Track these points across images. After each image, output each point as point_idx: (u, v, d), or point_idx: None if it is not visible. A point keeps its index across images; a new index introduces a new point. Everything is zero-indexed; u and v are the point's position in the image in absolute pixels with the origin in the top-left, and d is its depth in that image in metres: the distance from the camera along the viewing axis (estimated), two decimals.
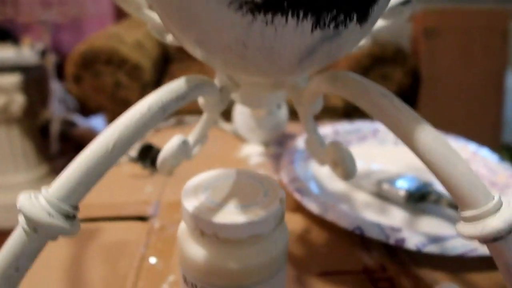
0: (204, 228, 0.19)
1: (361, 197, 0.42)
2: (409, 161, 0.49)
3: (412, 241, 0.31)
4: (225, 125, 0.60)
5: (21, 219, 0.15)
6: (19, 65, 1.42)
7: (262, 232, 0.19)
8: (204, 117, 0.29)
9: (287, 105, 0.55)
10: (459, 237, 0.31)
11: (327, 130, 0.52)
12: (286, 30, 0.14)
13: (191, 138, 0.30)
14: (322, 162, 0.32)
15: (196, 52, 0.17)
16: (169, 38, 0.33)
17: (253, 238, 0.19)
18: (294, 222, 0.37)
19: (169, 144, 0.24)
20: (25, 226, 0.15)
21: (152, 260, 0.32)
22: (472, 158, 0.47)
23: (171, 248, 0.33)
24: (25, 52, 1.45)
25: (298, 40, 0.14)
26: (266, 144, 0.54)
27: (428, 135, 0.15)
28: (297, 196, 0.37)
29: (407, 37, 1.68)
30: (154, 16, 0.28)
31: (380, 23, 0.29)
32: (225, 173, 0.23)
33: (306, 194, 0.37)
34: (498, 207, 0.15)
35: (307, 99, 0.23)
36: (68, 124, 1.73)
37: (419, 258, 0.32)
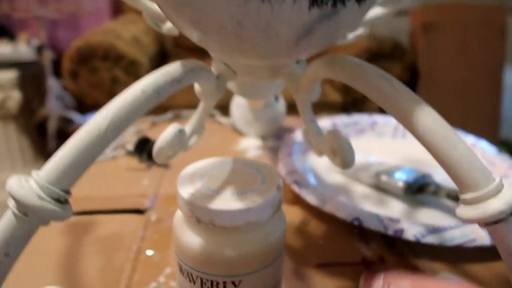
0: (200, 215, 0.19)
1: (359, 189, 0.41)
2: (407, 153, 0.48)
3: (411, 232, 0.30)
4: (222, 119, 0.60)
5: (10, 203, 0.14)
6: (15, 61, 1.41)
7: (259, 219, 0.19)
8: (201, 106, 0.28)
9: (285, 98, 0.54)
10: (457, 228, 0.31)
11: (325, 123, 0.52)
12: (283, 8, 0.13)
13: (188, 128, 0.29)
14: (320, 152, 0.31)
15: (192, 34, 0.16)
16: (166, 28, 0.33)
17: (250, 225, 0.19)
18: (292, 214, 0.37)
19: (165, 133, 0.23)
20: (15, 210, 0.14)
21: (149, 252, 0.31)
22: None
23: (167, 241, 0.33)
24: (21, 48, 1.44)
25: (295, 18, 0.14)
26: (264, 137, 0.54)
27: (428, 116, 0.15)
28: (295, 188, 0.37)
29: (405, 32, 1.68)
30: (150, 4, 0.28)
31: (378, 10, 0.29)
32: (222, 160, 0.23)
33: (304, 186, 0.36)
34: (499, 189, 0.14)
35: (304, 86, 0.23)
36: (65, 121, 1.72)
37: (418, 249, 0.32)
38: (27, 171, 1.49)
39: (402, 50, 1.33)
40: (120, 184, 0.42)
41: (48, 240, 0.32)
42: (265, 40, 0.15)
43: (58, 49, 1.84)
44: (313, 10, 0.14)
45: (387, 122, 0.54)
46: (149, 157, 0.46)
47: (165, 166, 0.46)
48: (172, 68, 0.18)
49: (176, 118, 0.61)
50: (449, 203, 0.37)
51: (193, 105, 0.59)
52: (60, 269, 0.29)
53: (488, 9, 1.54)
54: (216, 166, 0.22)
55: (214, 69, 0.25)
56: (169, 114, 0.61)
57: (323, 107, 1.25)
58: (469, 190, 0.15)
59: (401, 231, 0.31)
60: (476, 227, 0.31)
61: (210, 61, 0.25)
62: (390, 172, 0.40)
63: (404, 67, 1.31)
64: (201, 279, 0.20)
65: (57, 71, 1.63)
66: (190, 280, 0.20)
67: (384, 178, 0.40)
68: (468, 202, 0.15)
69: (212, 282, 0.19)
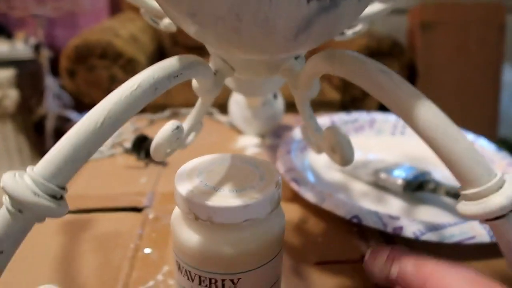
0: (198, 212, 0.19)
1: (358, 187, 0.41)
2: (406, 150, 0.48)
3: (410, 229, 0.30)
4: (220, 117, 0.60)
5: (5, 199, 0.14)
6: (12, 59, 1.40)
7: (257, 216, 0.19)
8: (198, 103, 0.28)
9: (283, 96, 0.54)
10: (457, 225, 0.31)
11: (324, 120, 0.52)
12: (281, 0, 0.13)
13: (186, 125, 0.29)
14: (318, 149, 0.31)
15: (189, 28, 0.16)
16: (163, 24, 0.33)
17: (249, 222, 0.19)
18: (291, 212, 0.36)
19: (163, 129, 0.23)
20: (10, 207, 0.14)
21: (147, 250, 0.31)
22: None
23: (165, 239, 0.32)
24: (19, 47, 1.44)
25: (294, 11, 0.14)
26: (262, 135, 0.53)
27: (429, 111, 0.15)
28: (294, 186, 0.37)
29: (404, 31, 1.68)
30: (148, 0, 0.28)
31: (378, 7, 0.29)
32: (220, 157, 0.23)
33: (303, 184, 0.36)
34: (500, 184, 0.14)
35: (303, 82, 0.23)
36: (63, 120, 1.71)
37: (417, 246, 0.32)
38: (25, 170, 1.48)
39: (401, 48, 1.33)
40: (118, 182, 0.42)
41: (45, 238, 0.32)
42: (263, 33, 0.15)
43: (55, 48, 1.83)
44: (312, 2, 0.13)
45: (386, 119, 0.53)
46: (147, 155, 0.46)
47: (163, 164, 0.46)
48: (170, 63, 0.17)
49: (174, 116, 0.61)
50: (448, 200, 0.37)
51: (191, 104, 0.58)
52: (57, 268, 0.29)
53: (487, 7, 1.54)
54: (214, 163, 0.22)
55: (212, 65, 0.25)
56: (166, 112, 0.61)
57: (321, 105, 1.25)
58: (471, 185, 0.15)
59: (400, 228, 0.30)
60: (475, 224, 0.31)
61: (208, 59, 0.25)
62: (389, 169, 0.40)
63: (403, 65, 1.31)
64: (200, 277, 0.19)
65: (54, 69, 1.62)
66: (188, 278, 0.20)
67: (383, 175, 0.40)
68: (469, 198, 0.15)
69: (210, 280, 0.19)
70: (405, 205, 0.38)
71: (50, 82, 1.60)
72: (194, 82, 0.24)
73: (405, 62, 1.34)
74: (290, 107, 0.57)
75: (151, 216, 0.36)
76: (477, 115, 1.54)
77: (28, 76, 1.48)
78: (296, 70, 0.24)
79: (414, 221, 0.31)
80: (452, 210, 0.37)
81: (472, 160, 0.14)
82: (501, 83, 1.57)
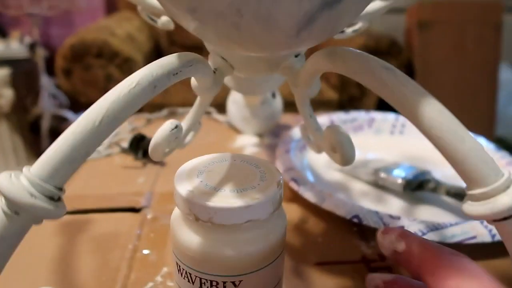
0: (199, 213, 0.18)
1: (358, 187, 0.41)
2: (405, 150, 0.48)
3: (411, 229, 0.30)
4: (219, 116, 0.59)
5: (0, 201, 0.14)
6: (7, 58, 1.39)
7: (259, 217, 0.18)
8: (197, 102, 0.28)
9: (282, 95, 0.54)
10: (458, 225, 0.31)
11: (323, 120, 0.51)
12: None
13: (184, 124, 0.29)
14: (318, 149, 0.31)
15: (189, 24, 0.16)
16: (160, 22, 0.32)
17: (250, 223, 0.18)
18: (291, 212, 0.36)
19: (161, 129, 0.23)
20: (6, 209, 0.13)
21: (145, 251, 0.31)
22: None
23: (164, 239, 0.32)
24: (14, 46, 1.43)
25: (296, 6, 0.13)
26: (261, 135, 0.53)
27: (434, 109, 0.15)
28: (294, 186, 0.36)
29: (401, 30, 1.68)
30: None
31: (379, 4, 0.28)
32: (220, 157, 0.22)
33: (302, 184, 0.36)
34: (508, 184, 0.14)
35: (304, 80, 0.23)
36: (59, 120, 1.70)
37: None
38: (20, 169, 1.47)
39: (399, 47, 1.33)
40: (115, 182, 0.42)
41: (42, 240, 0.32)
42: (264, 29, 0.14)
43: (51, 47, 1.82)
44: None
45: (384, 118, 0.53)
46: (145, 154, 0.46)
47: (161, 164, 0.46)
48: (169, 60, 0.17)
49: (172, 115, 0.60)
50: (448, 200, 0.37)
51: (188, 103, 0.58)
52: (54, 270, 0.29)
53: (484, 6, 1.55)
54: (214, 163, 0.22)
55: (211, 63, 0.24)
56: (164, 112, 0.60)
57: (319, 105, 1.25)
58: (477, 185, 0.14)
59: (401, 228, 0.30)
60: (476, 224, 0.31)
61: (206, 58, 0.25)
62: (388, 169, 0.40)
63: (400, 64, 1.31)
64: (200, 279, 0.19)
65: (50, 69, 1.61)
66: (189, 281, 0.19)
67: (383, 175, 0.40)
68: (476, 198, 0.14)
69: (211, 282, 0.19)
70: (405, 204, 0.38)
71: (45, 82, 1.59)
72: (193, 81, 0.24)
73: (403, 61, 1.34)
74: (289, 106, 0.56)
75: (149, 216, 0.35)
76: (474, 114, 1.54)
77: (23, 76, 1.47)
78: (296, 68, 0.24)
79: (414, 221, 0.31)
80: (453, 210, 0.36)
81: (478, 160, 0.14)
82: (498, 82, 1.58)
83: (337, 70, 0.18)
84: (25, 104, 1.51)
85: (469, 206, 0.15)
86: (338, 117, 0.53)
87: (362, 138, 0.51)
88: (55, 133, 1.65)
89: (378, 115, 0.54)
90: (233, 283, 0.19)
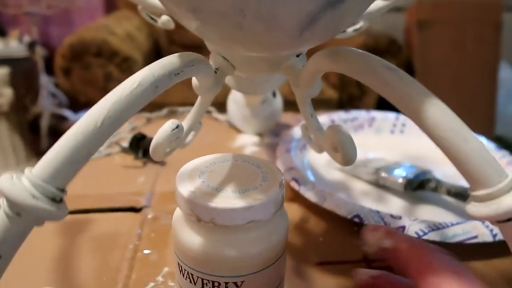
0: (201, 214, 0.18)
1: (359, 186, 0.41)
2: (405, 149, 0.48)
3: (412, 229, 0.30)
4: (219, 115, 0.59)
5: (2, 202, 0.14)
6: (6, 58, 1.39)
7: (261, 218, 0.18)
8: (198, 102, 0.27)
9: (282, 94, 0.54)
10: (459, 225, 0.30)
11: (323, 119, 0.51)
12: None
13: (185, 124, 0.28)
14: (319, 149, 0.31)
15: (191, 24, 0.16)
16: (161, 21, 0.32)
17: (252, 224, 0.18)
18: (291, 212, 0.36)
19: (163, 129, 0.23)
20: (7, 210, 0.13)
21: (146, 251, 0.31)
22: None
23: (165, 239, 0.32)
24: (13, 45, 1.42)
25: (299, 6, 0.13)
26: (261, 134, 0.53)
27: (437, 109, 0.14)
28: (294, 185, 0.36)
29: (401, 29, 1.68)
30: None
31: (380, 3, 0.28)
32: (222, 157, 0.22)
33: (303, 183, 0.36)
34: None
35: (305, 80, 0.22)
36: (58, 119, 1.70)
37: None
38: (20, 169, 1.47)
39: (398, 46, 1.33)
40: (115, 182, 0.41)
41: (42, 240, 0.32)
42: (267, 30, 0.14)
43: (50, 46, 1.82)
44: None
45: (385, 118, 0.53)
46: (145, 154, 0.46)
47: (161, 163, 0.45)
48: (170, 61, 0.17)
49: (171, 114, 0.60)
50: (449, 199, 0.37)
51: (188, 102, 0.58)
52: (54, 270, 0.29)
53: (483, 5, 1.55)
54: (215, 163, 0.22)
55: (212, 62, 0.24)
56: (164, 111, 0.60)
57: (318, 104, 1.25)
58: (481, 186, 0.14)
59: (403, 228, 0.30)
60: (477, 223, 0.31)
61: (207, 57, 0.25)
62: (389, 168, 0.40)
63: (400, 63, 1.31)
64: (202, 280, 0.19)
65: (49, 68, 1.61)
66: (190, 281, 0.19)
67: (383, 174, 0.40)
68: (480, 199, 0.14)
69: (213, 283, 0.19)
70: (406, 204, 0.38)
71: (44, 81, 1.59)
72: (194, 81, 0.24)
73: (402, 60, 1.34)
74: (289, 105, 0.56)
75: (150, 216, 0.35)
76: (474, 113, 1.54)
77: (22, 75, 1.46)
78: (298, 67, 0.23)
79: (416, 220, 0.31)
80: (453, 209, 0.36)
81: (482, 160, 0.14)
82: (497, 81, 1.58)
83: (339, 70, 0.18)
84: (24, 103, 1.51)
85: (472, 207, 0.15)
86: (339, 116, 0.53)
87: (362, 137, 0.51)
88: (54, 132, 1.65)
89: (378, 115, 0.54)
90: (235, 283, 0.19)
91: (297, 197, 0.37)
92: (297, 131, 0.47)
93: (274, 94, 0.51)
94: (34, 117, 1.64)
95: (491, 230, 0.30)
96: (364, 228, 0.22)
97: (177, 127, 0.23)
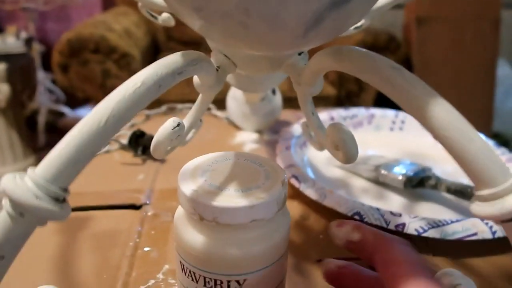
0: (203, 213, 0.18)
1: (359, 183, 0.41)
2: (405, 146, 0.48)
3: (412, 226, 0.30)
4: (219, 112, 0.59)
5: (5, 202, 0.13)
6: (3, 53, 1.38)
7: (264, 217, 0.18)
8: (199, 99, 0.27)
9: (281, 92, 0.53)
10: (459, 222, 0.31)
11: (323, 116, 0.51)
12: None
13: (186, 122, 0.28)
14: (320, 146, 0.31)
15: (195, 23, 0.16)
16: (161, 19, 0.32)
17: (255, 223, 0.18)
18: (292, 209, 0.36)
19: (164, 127, 0.22)
20: (10, 210, 0.13)
21: (146, 248, 0.31)
22: None
23: (165, 236, 0.32)
24: (10, 41, 1.41)
25: (305, 6, 0.13)
26: (260, 131, 0.53)
27: (442, 108, 0.14)
28: (295, 183, 0.36)
29: (399, 26, 1.68)
30: None
31: (382, 1, 0.28)
32: (224, 155, 0.22)
33: (303, 180, 0.36)
34: None
35: (307, 78, 0.22)
36: (56, 115, 1.69)
37: (419, 243, 0.31)
38: (17, 165, 1.47)
39: (397, 43, 1.33)
40: (115, 179, 0.41)
41: (42, 238, 0.31)
42: (272, 29, 0.14)
43: (47, 42, 1.81)
44: None
45: (384, 115, 0.53)
46: (144, 151, 0.45)
47: (161, 160, 0.45)
48: (173, 59, 0.17)
49: (170, 111, 0.60)
50: (449, 196, 0.37)
51: (187, 99, 0.58)
52: (54, 268, 0.29)
53: (482, 2, 1.54)
54: (217, 161, 0.21)
55: (213, 60, 0.24)
56: (163, 108, 0.60)
57: (316, 100, 1.25)
58: (486, 186, 0.14)
59: (403, 225, 0.30)
60: (477, 221, 0.31)
61: (207, 55, 0.25)
62: (389, 165, 0.40)
63: (398, 60, 1.31)
64: (204, 278, 0.19)
65: (46, 64, 1.60)
66: (192, 279, 0.19)
67: (383, 171, 0.40)
68: (485, 199, 0.14)
69: (215, 281, 0.19)
70: (405, 201, 0.38)
71: (42, 77, 1.58)
72: (196, 79, 0.24)
73: (401, 57, 1.34)
74: (288, 102, 0.56)
75: (150, 213, 0.35)
76: (472, 109, 1.54)
77: (19, 71, 1.45)
78: (300, 66, 0.23)
79: (416, 217, 0.31)
80: (453, 207, 0.37)
81: (487, 160, 0.14)
82: (496, 77, 1.58)
83: (343, 69, 0.18)
84: (21, 99, 1.50)
85: (477, 207, 0.15)
86: (338, 113, 0.53)
87: (362, 134, 0.51)
88: (51, 129, 1.64)
89: (377, 112, 0.54)
90: (238, 282, 0.19)
91: (297, 195, 0.37)
92: (296, 128, 0.47)
93: (273, 92, 0.51)
94: (31, 113, 1.63)
95: (491, 227, 0.30)
96: (330, 224, 0.22)
97: (178, 125, 0.23)
